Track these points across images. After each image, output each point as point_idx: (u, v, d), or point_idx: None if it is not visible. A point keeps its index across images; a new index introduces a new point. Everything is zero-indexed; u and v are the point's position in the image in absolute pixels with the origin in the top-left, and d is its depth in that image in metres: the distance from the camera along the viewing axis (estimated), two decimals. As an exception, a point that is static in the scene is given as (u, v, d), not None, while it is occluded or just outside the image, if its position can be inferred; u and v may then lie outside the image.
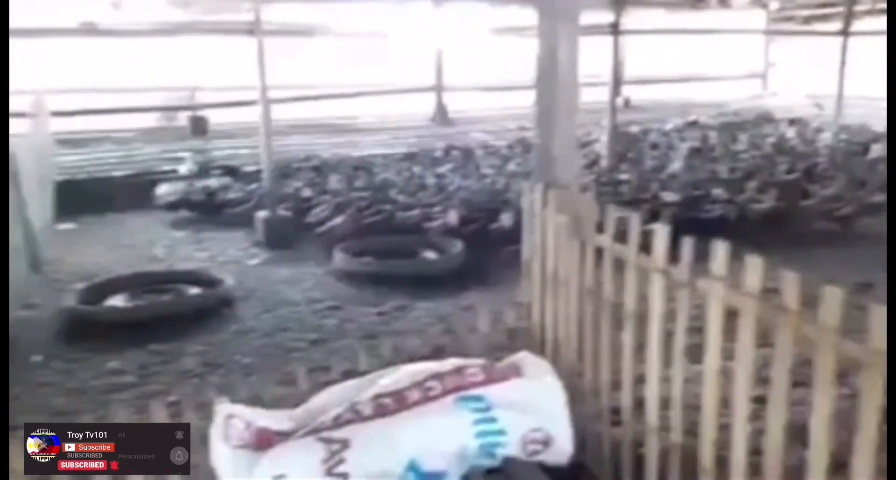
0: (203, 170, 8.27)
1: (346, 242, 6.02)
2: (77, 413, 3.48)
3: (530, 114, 10.68)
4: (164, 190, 7.67)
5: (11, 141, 6.01)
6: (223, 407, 2.47)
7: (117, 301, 5.14)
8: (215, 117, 10.50)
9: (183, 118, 10.67)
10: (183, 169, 8.26)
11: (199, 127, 10.21)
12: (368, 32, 11.38)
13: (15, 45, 9.86)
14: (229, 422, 2.42)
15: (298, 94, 10.05)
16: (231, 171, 8.30)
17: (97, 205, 7.74)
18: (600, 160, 8.14)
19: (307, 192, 7.25)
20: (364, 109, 11.73)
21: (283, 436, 2.49)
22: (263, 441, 2.45)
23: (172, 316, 4.81)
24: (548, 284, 3.09)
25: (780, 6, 15.32)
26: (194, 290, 5.28)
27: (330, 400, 2.64)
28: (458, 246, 5.89)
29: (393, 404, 2.49)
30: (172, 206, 7.53)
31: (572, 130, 3.00)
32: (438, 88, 11.98)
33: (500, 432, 2.45)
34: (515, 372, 2.68)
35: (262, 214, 6.76)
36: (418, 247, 6.14)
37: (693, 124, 11.63)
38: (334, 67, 11.76)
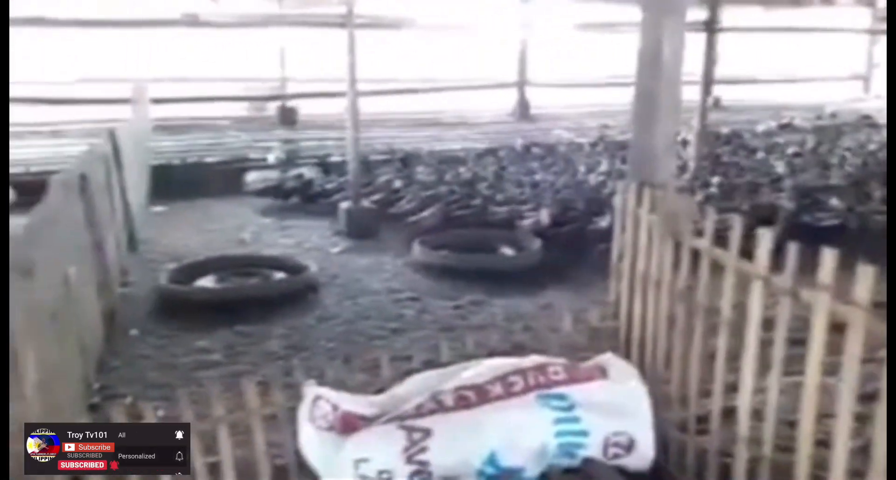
0: (290, 160, 8.50)
1: (425, 235, 6.07)
2: (169, 387, 3.66)
3: (616, 111, 10.44)
4: (252, 177, 7.93)
5: (116, 125, 6.36)
6: (311, 390, 2.54)
7: (206, 282, 5.34)
8: (304, 108, 10.78)
9: (272, 108, 10.99)
10: (271, 157, 8.51)
11: (287, 117, 10.50)
12: (453, 26, 11.41)
13: (121, 34, 10.44)
14: (317, 404, 2.49)
15: (382, 87, 10.19)
16: (318, 162, 8.50)
17: (188, 190, 8.04)
18: (689, 161, 7.90)
19: (392, 184, 7.35)
20: (446, 103, 11.79)
21: (367, 421, 2.54)
22: (348, 424, 2.51)
23: (258, 298, 4.96)
24: (637, 285, 3.02)
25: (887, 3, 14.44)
26: (279, 275, 5.44)
27: (412, 388, 2.67)
28: (536, 243, 5.84)
29: (475, 397, 2.50)
30: (260, 193, 7.77)
31: (672, 129, 2.91)
32: (521, 84, 11.89)
33: (582, 432, 2.42)
34: (600, 373, 2.64)
35: (345, 204, 6.89)
36: (496, 243, 6.13)
37: (787, 126, 11.13)
38: (418, 61, 11.87)
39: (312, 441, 2.44)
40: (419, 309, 4.94)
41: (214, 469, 2.53)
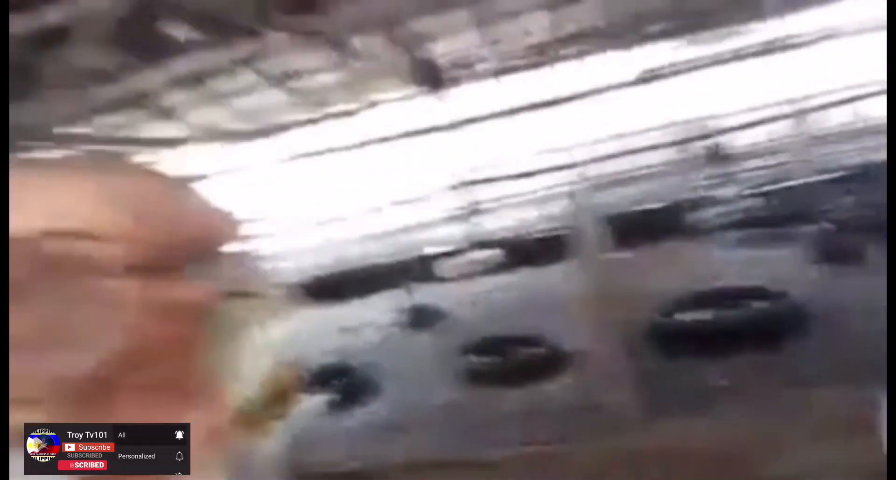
0: (734, 193, 8.53)
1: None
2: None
3: None
4: (702, 215, 8.19)
5: (579, 187, 7.28)
6: None
7: (694, 314, 5.64)
8: (732, 141, 10.68)
9: (698, 148, 11.13)
10: (719, 193, 8.66)
11: (715, 154, 10.54)
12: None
13: (567, 109, 11.75)
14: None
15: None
16: (762, 192, 8.37)
17: (641, 234, 8.59)
18: None
19: None
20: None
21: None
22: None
23: (748, 328, 5.06)
24: None
25: None
26: (759, 304, 5.46)
27: None
28: None
29: None
30: (712, 230, 7.96)
31: None
32: None
33: None
34: None
35: (810, 229, 6.62)
36: None
37: None
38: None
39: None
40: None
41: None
